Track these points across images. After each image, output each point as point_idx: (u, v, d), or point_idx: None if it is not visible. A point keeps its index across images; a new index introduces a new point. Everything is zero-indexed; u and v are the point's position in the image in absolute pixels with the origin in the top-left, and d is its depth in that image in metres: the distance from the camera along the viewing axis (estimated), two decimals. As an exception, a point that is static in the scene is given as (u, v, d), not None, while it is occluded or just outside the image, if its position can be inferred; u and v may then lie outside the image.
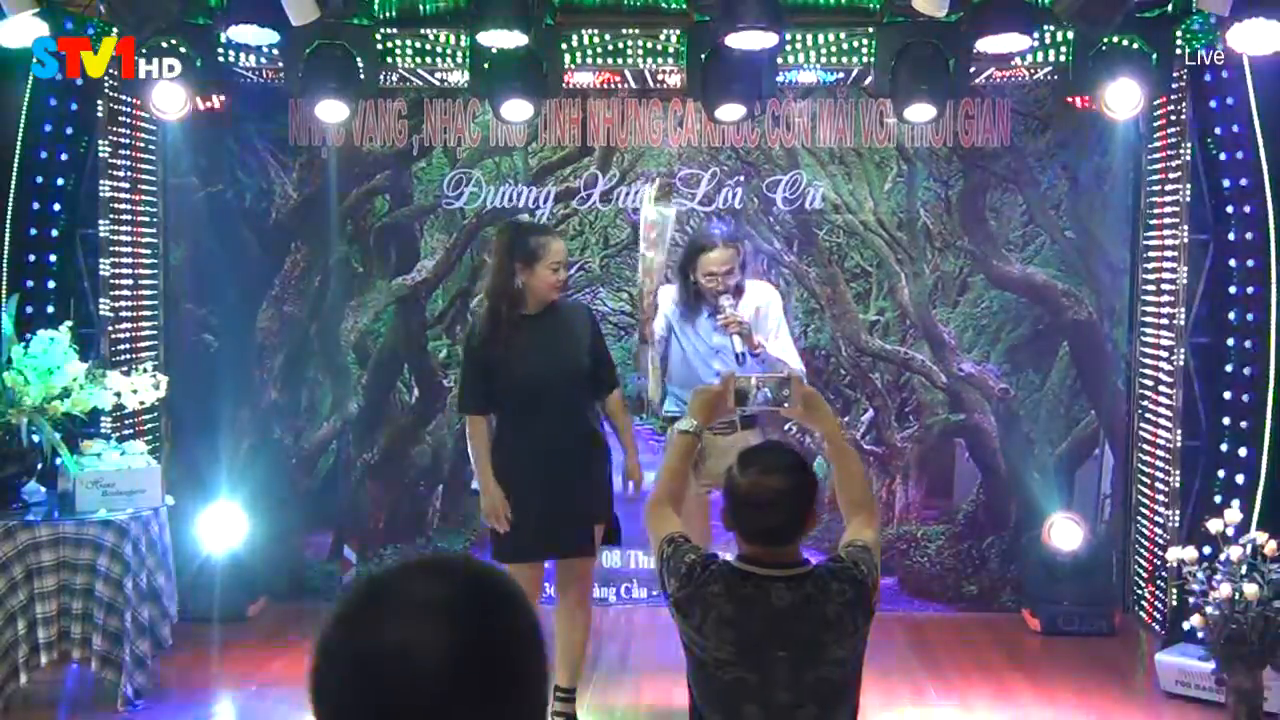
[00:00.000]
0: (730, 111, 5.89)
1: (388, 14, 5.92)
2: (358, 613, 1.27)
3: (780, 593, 2.76)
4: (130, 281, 6.39)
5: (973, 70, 6.08)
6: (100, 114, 6.09)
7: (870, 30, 5.86)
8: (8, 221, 5.94)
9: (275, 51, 5.90)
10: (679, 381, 5.16)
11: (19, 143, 5.93)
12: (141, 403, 5.51)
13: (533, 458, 4.66)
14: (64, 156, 6.11)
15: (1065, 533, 6.41)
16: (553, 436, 4.67)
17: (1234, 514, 4.95)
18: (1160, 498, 6.21)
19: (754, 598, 2.77)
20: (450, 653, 1.22)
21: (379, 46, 6.00)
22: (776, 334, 5.15)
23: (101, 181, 6.13)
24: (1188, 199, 5.99)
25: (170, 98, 5.76)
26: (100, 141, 6.11)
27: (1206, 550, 5.06)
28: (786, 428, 6.04)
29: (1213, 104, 5.87)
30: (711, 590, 2.79)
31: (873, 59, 5.88)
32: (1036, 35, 5.69)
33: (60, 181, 6.11)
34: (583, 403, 4.79)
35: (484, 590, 1.29)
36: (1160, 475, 6.21)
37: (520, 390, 4.66)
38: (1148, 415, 6.42)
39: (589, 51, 6.07)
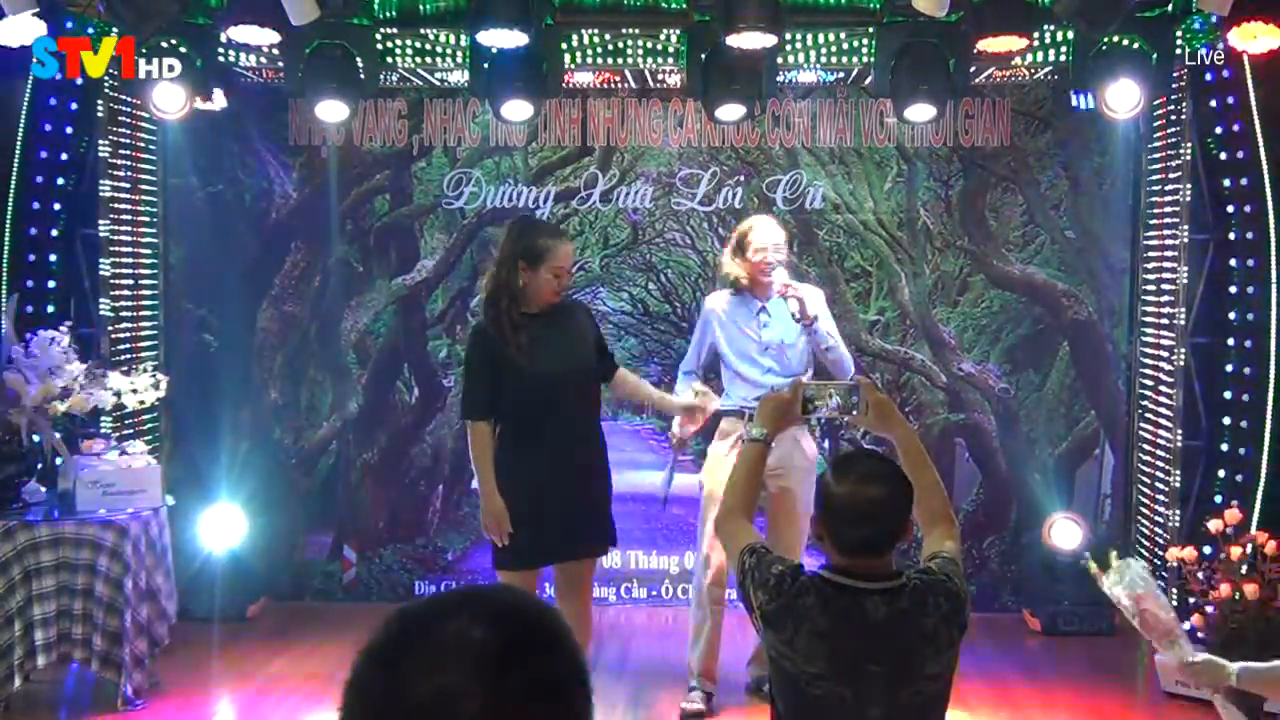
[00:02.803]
0: (730, 111, 5.89)
1: (388, 14, 5.92)
2: (393, 654, 1.20)
3: (876, 605, 2.65)
4: (130, 281, 6.39)
5: (973, 70, 6.08)
6: (100, 114, 6.09)
7: (870, 30, 5.86)
8: (8, 221, 5.94)
9: (275, 51, 5.90)
10: (730, 379, 5.19)
11: (19, 143, 5.93)
12: (141, 403, 5.52)
13: (547, 459, 4.52)
14: (64, 156, 6.11)
15: (1065, 533, 6.41)
16: (566, 436, 4.55)
17: (1234, 514, 4.95)
18: (1160, 498, 6.21)
19: (849, 610, 2.66)
20: (492, 702, 1.15)
21: (379, 46, 6.00)
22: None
23: (101, 181, 6.13)
24: (1188, 199, 5.99)
25: (170, 98, 5.76)
26: (100, 141, 6.11)
27: (1206, 550, 5.06)
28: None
29: (1213, 104, 5.87)
30: (804, 602, 2.67)
31: (873, 59, 5.88)
32: (1036, 35, 5.69)
33: (60, 181, 6.11)
34: (591, 400, 4.72)
35: (529, 631, 1.22)
36: (1160, 475, 6.21)
37: (531, 390, 4.49)
38: (1148, 415, 6.41)
39: (589, 51, 6.07)
